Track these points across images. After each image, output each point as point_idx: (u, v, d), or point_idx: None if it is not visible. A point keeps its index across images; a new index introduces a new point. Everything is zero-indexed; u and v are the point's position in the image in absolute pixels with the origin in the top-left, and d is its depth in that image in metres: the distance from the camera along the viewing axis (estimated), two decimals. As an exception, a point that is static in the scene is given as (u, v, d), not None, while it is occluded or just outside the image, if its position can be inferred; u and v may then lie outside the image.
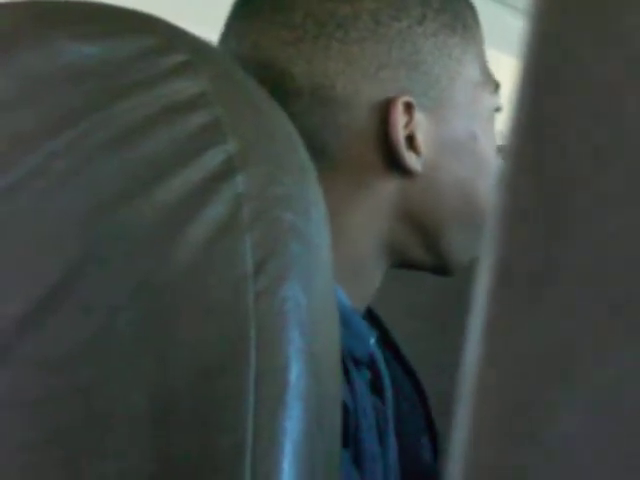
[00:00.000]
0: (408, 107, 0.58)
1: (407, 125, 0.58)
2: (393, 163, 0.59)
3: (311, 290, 0.40)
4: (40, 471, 0.35)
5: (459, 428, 0.18)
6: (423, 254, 0.62)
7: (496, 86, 0.64)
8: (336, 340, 0.43)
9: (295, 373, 0.39)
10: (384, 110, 0.58)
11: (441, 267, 0.64)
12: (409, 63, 0.58)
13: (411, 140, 0.59)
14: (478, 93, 0.62)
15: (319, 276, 0.42)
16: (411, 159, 0.59)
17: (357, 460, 0.55)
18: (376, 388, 0.62)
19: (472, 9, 0.63)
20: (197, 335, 0.37)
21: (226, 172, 0.39)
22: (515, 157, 0.19)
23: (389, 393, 0.63)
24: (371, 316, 0.67)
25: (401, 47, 0.58)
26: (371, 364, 0.62)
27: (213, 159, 0.39)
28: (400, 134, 0.58)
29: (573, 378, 0.17)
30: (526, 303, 0.18)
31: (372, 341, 0.64)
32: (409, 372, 0.69)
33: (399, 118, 0.57)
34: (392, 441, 0.62)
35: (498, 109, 0.65)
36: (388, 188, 0.59)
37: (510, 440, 0.17)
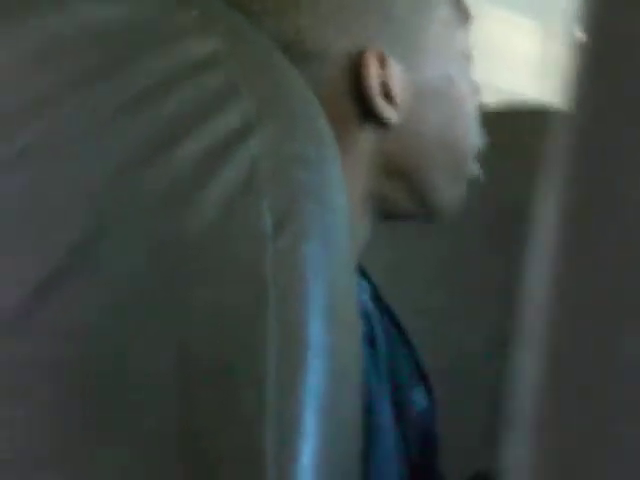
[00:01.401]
0: (381, 57, 0.58)
1: (381, 76, 0.58)
2: (370, 115, 0.58)
3: (330, 248, 0.41)
4: (66, 427, 0.35)
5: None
6: (409, 203, 0.62)
7: (469, 21, 0.63)
8: (353, 296, 0.44)
9: (315, 330, 0.39)
10: (357, 62, 0.57)
11: (428, 214, 0.64)
12: (379, 12, 0.58)
13: (386, 90, 0.58)
14: (451, 33, 0.62)
15: (337, 234, 0.42)
16: (387, 109, 0.58)
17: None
18: (370, 342, 0.63)
19: None
20: (219, 293, 0.37)
21: (242, 133, 0.39)
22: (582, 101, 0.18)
23: (383, 347, 0.64)
24: (360, 272, 0.67)
25: (367, 2, 0.58)
26: (365, 319, 0.63)
27: (229, 120, 0.39)
28: (374, 85, 0.57)
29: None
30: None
31: (365, 296, 0.65)
32: (397, 325, 0.69)
33: (372, 69, 0.57)
34: (386, 389, 0.62)
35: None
36: (367, 140, 0.59)
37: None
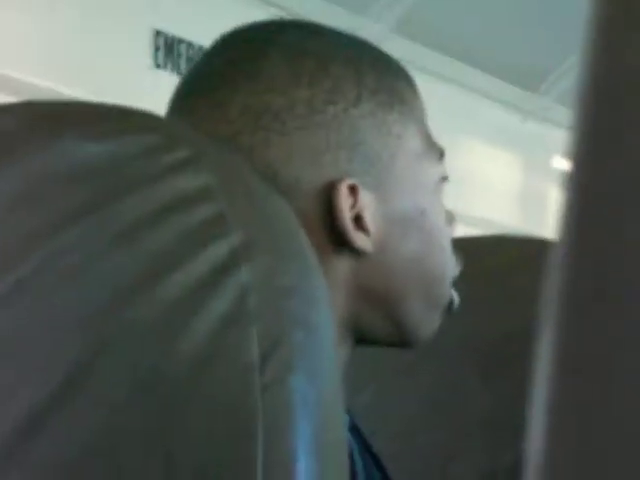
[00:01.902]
0: (352, 189, 0.59)
1: (353, 206, 0.59)
2: (343, 245, 0.59)
3: (317, 379, 0.40)
4: None
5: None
6: (384, 329, 0.62)
7: (440, 154, 0.65)
8: (341, 427, 0.43)
9: (303, 465, 0.38)
10: (328, 195, 0.58)
11: (404, 342, 0.64)
12: (348, 145, 0.59)
13: (359, 220, 0.59)
14: (421, 164, 0.63)
15: (324, 363, 0.42)
16: (360, 239, 0.59)
17: None
18: (351, 478, 0.61)
19: (408, 81, 0.64)
20: (204, 429, 0.37)
21: (230, 265, 0.39)
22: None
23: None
24: None
25: (338, 130, 0.59)
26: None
27: (217, 252, 0.39)
28: (346, 217, 0.58)
29: None
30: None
31: (345, 429, 0.64)
32: (378, 465, 0.68)
33: (344, 201, 0.58)
34: None
35: (444, 179, 0.65)
36: (341, 268, 0.60)
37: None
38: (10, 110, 0.43)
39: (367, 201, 0.59)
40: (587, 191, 0.19)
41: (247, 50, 0.60)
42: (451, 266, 0.65)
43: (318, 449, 0.39)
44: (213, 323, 0.38)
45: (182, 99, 0.61)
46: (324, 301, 0.43)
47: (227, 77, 0.59)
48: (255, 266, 0.40)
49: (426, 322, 0.63)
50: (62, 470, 0.35)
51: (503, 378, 0.76)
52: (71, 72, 2.36)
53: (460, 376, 0.81)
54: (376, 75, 0.61)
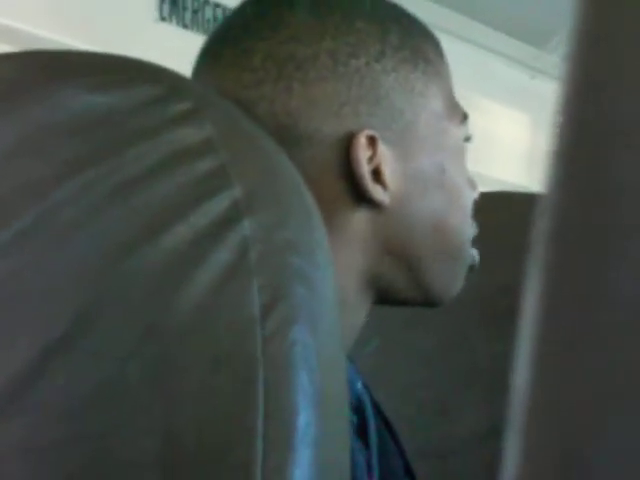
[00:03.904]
0: (371, 141, 0.59)
1: (372, 158, 0.59)
2: (361, 196, 0.59)
3: (318, 333, 0.40)
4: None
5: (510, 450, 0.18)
6: (404, 287, 0.62)
7: (464, 117, 0.65)
8: (343, 382, 0.43)
9: (304, 418, 0.39)
10: (347, 145, 0.58)
11: (425, 300, 0.64)
12: (370, 99, 0.59)
13: (377, 173, 0.59)
14: (444, 125, 0.63)
15: (325, 319, 0.42)
16: (378, 192, 0.59)
17: None
18: (361, 432, 0.62)
19: (434, 43, 0.64)
20: (205, 380, 0.37)
21: (232, 217, 0.39)
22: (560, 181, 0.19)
23: (374, 438, 0.63)
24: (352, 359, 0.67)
25: (360, 84, 0.59)
26: (358, 408, 0.62)
27: (219, 204, 0.39)
28: (364, 167, 0.58)
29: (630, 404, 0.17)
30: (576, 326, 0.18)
31: (359, 384, 0.64)
32: (386, 423, 0.68)
33: (362, 152, 0.58)
34: None
35: (467, 139, 0.65)
36: (359, 221, 0.60)
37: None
38: (11, 59, 0.42)
39: (386, 156, 0.59)
40: (577, 129, 0.19)
41: (274, 2, 0.60)
42: (470, 225, 0.65)
43: (319, 402, 0.39)
44: (215, 275, 0.38)
45: (211, 47, 0.61)
46: (326, 257, 0.43)
47: (253, 27, 0.60)
48: (257, 219, 0.40)
49: (448, 280, 0.63)
50: (63, 418, 0.35)
51: (504, 334, 0.76)
52: (74, 24, 2.34)
53: (461, 332, 0.81)
54: (401, 33, 0.61)
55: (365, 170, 0.58)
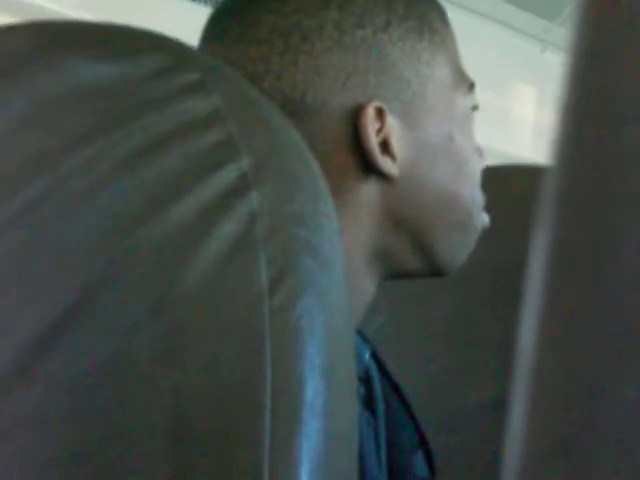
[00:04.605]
0: (379, 112, 0.58)
1: (380, 130, 0.59)
2: (369, 168, 0.59)
3: (326, 305, 0.40)
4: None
5: (514, 415, 0.18)
6: (413, 258, 0.62)
7: (471, 86, 0.64)
8: (351, 355, 0.43)
9: (311, 390, 0.39)
10: (355, 116, 0.58)
11: (432, 271, 0.64)
12: (377, 69, 0.59)
13: (386, 145, 0.59)
14: (451, 94, 0.63)
15: (334, 291, 0.42)
16: (387, 164, 0.59)
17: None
18: (368, 403, 0.62)
19: (440, 12, 0.64)
20: (213, 352, 0.37)
21: (240, 189, 0.39)
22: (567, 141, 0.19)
23: (381, 408, 0.63)
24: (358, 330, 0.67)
25: (367, 54, 0.58)
26: (365, 380, 0.62)
27: (227, 176, 0.39)
28: (372, 139, 0.58)
29: (635, 361, 0.17)
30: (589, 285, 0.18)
31: (367, 356, 0.64)
32: (395, 387, 0.68)
33: (370, 123, 0.58)
34: (384, 455, 0.61)
35: (475, 108, 0.65)
36: (368, 193, 0.60)
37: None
38: (17, 30, 0.42)
39: (395, 127, 0.59)
40: (585, 98, 0.18)
41: None
42: (480, 193, 0.65)
43: (326, 373, 0.39)
44: (222, 248, 0.38)
45: (217, 20, 0.61)
46: (334, 229, 0.43)
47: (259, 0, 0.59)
48: (265, 191, 0.40)
49: (458, 249, 0.64)
50: (71, 391, 0.35)
51: (515, 307, 0.76)
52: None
53: (471, 307, 0.81)
54: (406, 2, 0.61)
55: (374, 142, 0.58)
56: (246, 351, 0.37)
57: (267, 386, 0.37)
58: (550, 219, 0.19)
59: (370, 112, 0.58)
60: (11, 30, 0.42)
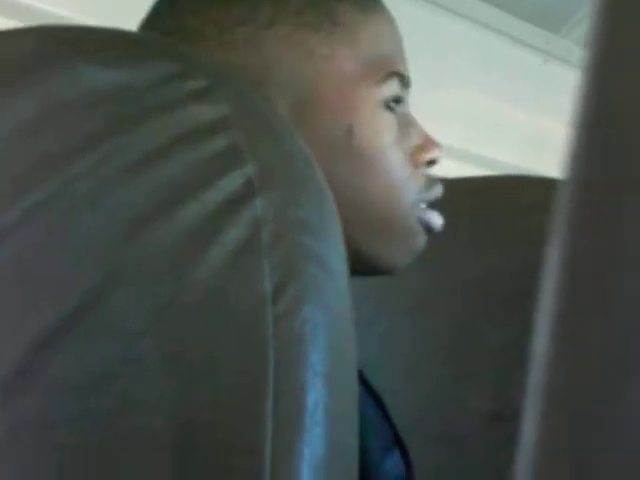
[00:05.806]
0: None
1: None
2: None
3: (329, 313, 0.40)
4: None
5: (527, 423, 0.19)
6: (350, 259, 0.61)
7: (386, 75, 0.61)
8: (353, 362, 0.43)
9: (313, 397, 0.39)
10: None
11: (374, 271, 0.62)
12: (261, 67, 0.58)
13: None
14: (354, 87, 0.60)
15: (337, 299, 0.42)
16: None
17: None
18: None
19: (357, 4, 0.61)
20: (217, 358, 0.37)
21: (245, 195, 0.39)
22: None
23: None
24: None
25: (249, 52, 0.58)
26: None
27: (232, 182, 0.39)
28: None
29: None
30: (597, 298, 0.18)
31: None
32: (365, 384, 0.67)
33: None
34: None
35: (397, 99, 0.62)
36: None
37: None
38: (24, 34, 0.42)
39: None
40: (597, 103, 0.19)
41: None
42: (410, 189, 0.62)
43: (329, 381, 0.40)
44: (227, 253, 0.38)
45: (155, 11, 0.62)
46: (337, 236, 0.43)
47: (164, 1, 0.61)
48: (270, 198, 0.40)
49: (389, 251, 0.61)
50: (75, 394, 0.35)
51: (514, 318, 0.76)
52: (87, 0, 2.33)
53: (471, 316, 0.81)
54: None
55: None
56: (249, 357, 0.38)
57: (269, 392, 0.37)
58: (564, 233, 0.19)
59: None
60: (20, 35, 0.42)
